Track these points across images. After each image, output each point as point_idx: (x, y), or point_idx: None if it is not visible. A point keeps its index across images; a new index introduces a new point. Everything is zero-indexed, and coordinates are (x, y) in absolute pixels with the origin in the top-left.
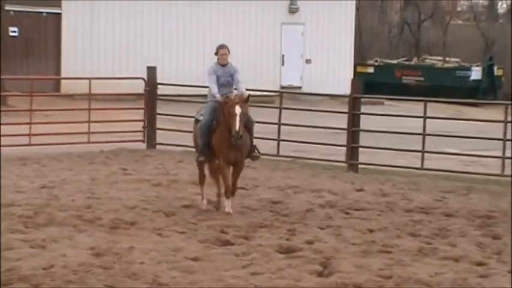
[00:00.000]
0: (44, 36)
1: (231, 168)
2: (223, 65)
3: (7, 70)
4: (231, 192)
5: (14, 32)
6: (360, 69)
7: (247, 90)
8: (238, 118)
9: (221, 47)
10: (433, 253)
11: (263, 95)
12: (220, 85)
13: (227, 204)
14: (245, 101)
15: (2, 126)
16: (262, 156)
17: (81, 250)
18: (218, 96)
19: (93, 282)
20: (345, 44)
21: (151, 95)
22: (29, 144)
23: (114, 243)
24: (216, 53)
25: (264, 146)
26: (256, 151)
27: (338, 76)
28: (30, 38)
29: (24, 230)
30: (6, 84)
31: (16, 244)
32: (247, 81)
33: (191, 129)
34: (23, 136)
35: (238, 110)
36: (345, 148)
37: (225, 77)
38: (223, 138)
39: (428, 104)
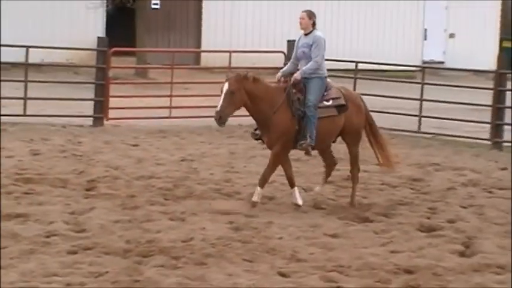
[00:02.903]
0: (186, 9)
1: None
2: (306, 34)
3: (148, 43)
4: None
5: (156, 4)
6: (505, 43)
7: (387, 64)
8: (222, 96)
9: (302, 11)
10: None
11: (404, 70)
12: (298, 57)
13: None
14: (243, 78)
15: (143, 99)
16: (403, 133)
17: (220, 224)
18: (277, 75)
19: (232, 256)
20: (490, 17)
21: None
22: (169, 117)
23: (253, 218)
24: None
25: (404, 122)
26: (306, 143)
27: (483, 51)
28: (171, 10)
29: (164, 202)
30: (148, 56)
31: (156, 216)
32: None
33: None
34: (164, 108)
35: (225, 87)
36: (489, 125)
37: (302, 48)
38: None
39: None
